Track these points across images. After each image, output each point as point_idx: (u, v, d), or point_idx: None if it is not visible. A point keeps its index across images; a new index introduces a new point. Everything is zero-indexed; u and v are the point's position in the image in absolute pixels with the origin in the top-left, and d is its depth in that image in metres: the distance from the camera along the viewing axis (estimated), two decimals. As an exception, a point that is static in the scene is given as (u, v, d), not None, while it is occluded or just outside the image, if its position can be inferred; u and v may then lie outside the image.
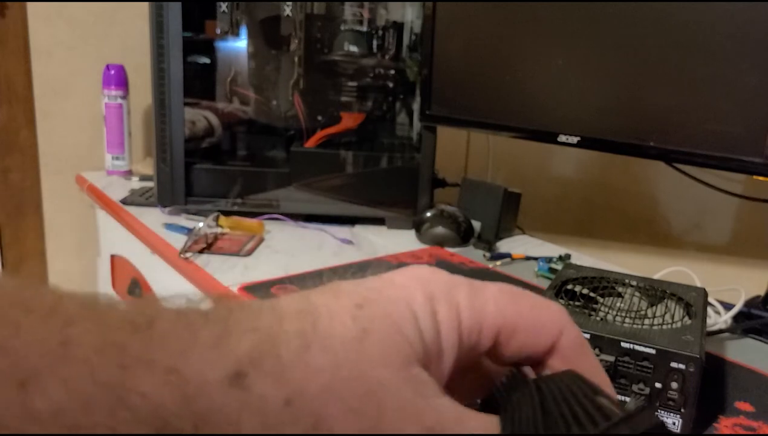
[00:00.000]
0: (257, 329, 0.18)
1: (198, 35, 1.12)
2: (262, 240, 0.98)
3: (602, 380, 0.24)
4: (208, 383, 0.17)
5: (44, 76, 1.50)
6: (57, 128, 1.54)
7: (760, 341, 0.71)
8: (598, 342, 0.50)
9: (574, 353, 0.23)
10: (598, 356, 0.50)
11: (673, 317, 0.54)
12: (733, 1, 0.69)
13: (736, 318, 0.74)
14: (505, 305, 0.22)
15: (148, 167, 1.36)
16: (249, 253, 0.92)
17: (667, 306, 0.57)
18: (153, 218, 1.07)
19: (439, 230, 0.99)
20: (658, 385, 0.49)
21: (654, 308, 0.57)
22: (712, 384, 0.60)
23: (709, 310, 0.73)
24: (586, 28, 0.81)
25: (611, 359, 0.50)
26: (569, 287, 0.60)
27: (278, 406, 0.18)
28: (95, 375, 0.16)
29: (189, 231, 0.95)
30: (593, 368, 0.24)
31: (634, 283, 0.61)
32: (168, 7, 0.98)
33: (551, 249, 1.01)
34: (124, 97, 1.37)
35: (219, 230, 0.98)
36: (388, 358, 0.19)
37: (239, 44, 1.13)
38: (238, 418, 0.17)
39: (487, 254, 0.95)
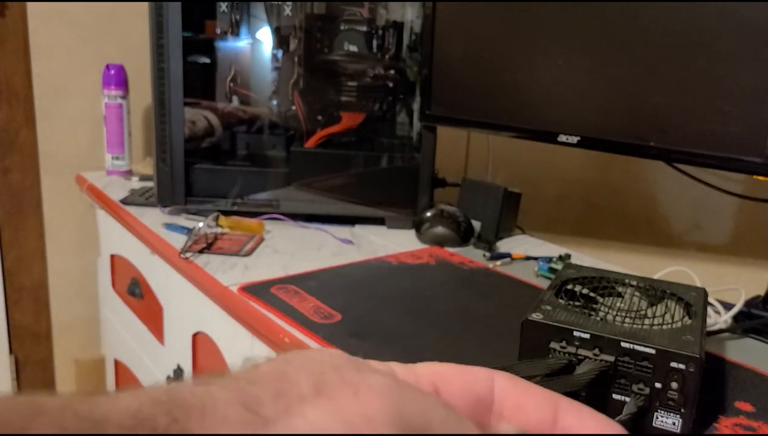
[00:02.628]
0: None
1: (198, 35, 1.12)
2: (262, 240, 0.98)
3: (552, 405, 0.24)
4: None
5: (44, 76, 1.50)
6: (57, 128, 1.54)
7: (760, 340, 0.71)
8: (598, 342, 0.50)
9: (517, 387, 0.24)
10: (597, 356, 0.50)
11: (673, 316, 0.54)
12: (733, 0, 0.69)
13: (736, 318, 0.74)
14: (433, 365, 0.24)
15: (148, 167, 1.36)
16: (249, 253, 0.92)
17: (667, 306, 0.57)
18: (153, 217, 1.07)
19: (439, 229, 0.99)
20: (658, 385, 0.49)
21: (654, 307, 0.57)
22: (712, 384, 0.60)
23: (709, 310, 0.73)
24: (586, 28, 0.81)
25: (611, 359, 0.50)
26: (569, 286, 0.59)
27: None
28: None
29: (189, 231, 0.95)
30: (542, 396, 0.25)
31: (634, 283, 0.61)
32: (168, 6, 0.98)
33: (551, 249, 1.01)
34: (124, 97, 1.37)
35: (219, 230, 0.98)
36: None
37: (239, 44, 1.13)
38: None
39: (487, 254, 0.95)
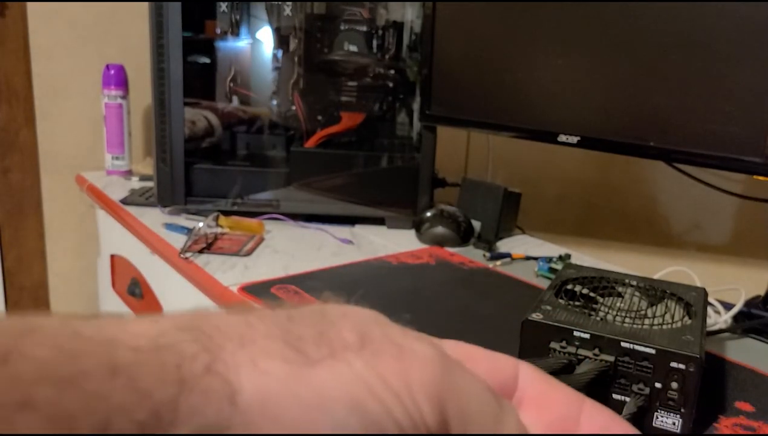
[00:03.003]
0: None
1: (198, 35, 1.12)
2: (262, 240, 0.98)
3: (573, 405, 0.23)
4: None
5: (44, 76, 1.50)
6: (57, 128, 1.54)
7: (760, 340, 0.71)
8: (598, 342, 0.50)
9: (542, 379, 0.23)
10: (597, 356, 0.50)
11: (673, 316, 0.54)
12: (733, 0, 0.69)
13: (736, 318, 0.74)
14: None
15: (148, 167, 1.36)
16: (249, 253, 0.92)
17: (667, 306, 0.57)
18: (153, 217, 1.07)
19: (439, 229, 0.99)
20: (658, 385, 0.49)
21: (654, 307, 0.57)
22: (712, 384, 0.60)
23: (709, 310, 0.73)
24: (586, 27, 0.81)
25: (611, 359, 0.50)
26: (569, 286, 0.59)
27: None
28: None
29: (189, 231, 0.95)
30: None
31: (634, 283, 0.61)
32: (168, 6, 0.98)
33: (551, 249, 1.01)
34: (124, 97, 1.37)
35: (219, 230, 0.98)
36: None
37: (239, 44, 1.13)
38: None
39: (487, 254, 0.95)
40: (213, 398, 0.16)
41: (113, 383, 0.15)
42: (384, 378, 0.18)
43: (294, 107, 1.12)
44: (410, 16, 1.07)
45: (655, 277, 0.69)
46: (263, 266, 0.87)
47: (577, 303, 0.57)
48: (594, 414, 0.22)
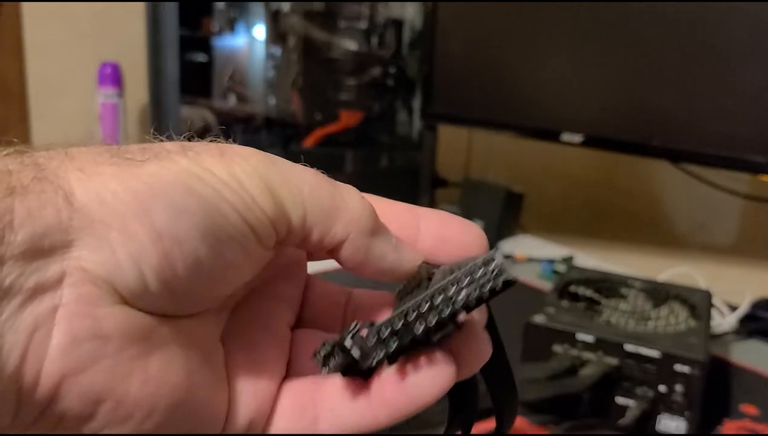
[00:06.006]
0: None
1: (195, 32, 1.11)
2: (259, 240, 0.97)
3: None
4: None
5: (39, 75, 1.49)
6: (51, 127, 1.53)
7: (766, 343, 0.71)
8: (601, 345, 0.50)
9: (377, 200, 0.24)
10: (601, 359, 0.50)
11: (677, 319, 0.54)
12: (738, 0, 0.68)
13: (742, 320, 0.74)
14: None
15: (145, 166, 1.35)
16: (246, 253, 0.90)
17: (671, 308, 0.56)
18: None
19: (439, 230, 0.98)
20: (662, 388, 0.49)
21: (658, 310, 0.56)
22: (717, 387, 0.59)
23: (714, 312, 0.72)
24: (590, 25, 0.80)
25: (615, 361, 0.49)
26: (572, 288, 0.59)
27: None
28: None
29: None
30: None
31: (638, 284, 0.60)
32: (164, 4, 0.97)
33: (554, 250, 1.00)
34: (120, 95, 1.36)
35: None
36: None
37: (237, 42, 1.12)
38: None
39: (488, 255, 0.93)
40: (49, 200, 0.17)
41: None
42: (209, 169, 0.19)
43: (293, 106, 1.11)
44: (410, 13, 1.06)
45: (660, 278, 0.69)
46: (260, 266, 0.86)
47: (580, 305, 0.56)
48: (430, 217, 0.24)
